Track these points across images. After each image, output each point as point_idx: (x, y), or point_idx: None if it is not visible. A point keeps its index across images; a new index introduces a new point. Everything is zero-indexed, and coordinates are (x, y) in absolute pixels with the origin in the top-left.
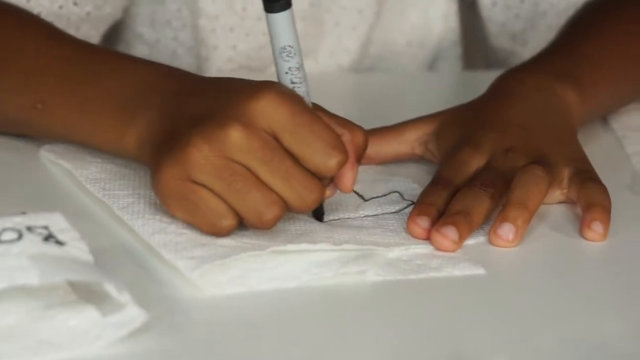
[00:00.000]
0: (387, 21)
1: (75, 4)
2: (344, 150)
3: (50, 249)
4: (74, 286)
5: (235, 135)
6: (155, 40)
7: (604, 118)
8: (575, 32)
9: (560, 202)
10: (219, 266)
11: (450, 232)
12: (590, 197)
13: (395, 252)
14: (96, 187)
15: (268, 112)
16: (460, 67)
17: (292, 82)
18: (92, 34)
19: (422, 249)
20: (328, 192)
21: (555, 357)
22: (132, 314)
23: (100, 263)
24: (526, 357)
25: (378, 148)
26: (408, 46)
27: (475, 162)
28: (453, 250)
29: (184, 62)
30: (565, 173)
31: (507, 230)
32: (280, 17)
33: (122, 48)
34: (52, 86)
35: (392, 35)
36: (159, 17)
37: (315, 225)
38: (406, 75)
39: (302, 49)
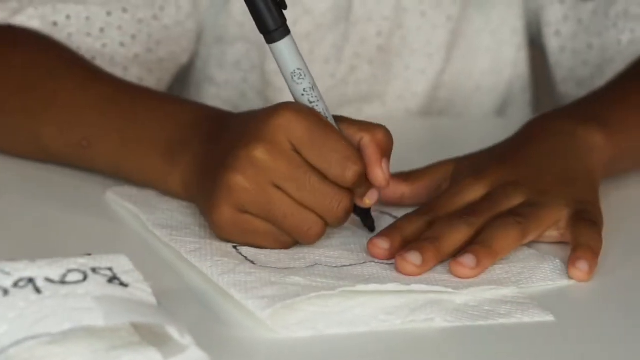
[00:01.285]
0: (457, 66)
1: (122, 44)
2: (357, 161)
3: (115, 290)
4: (137, 328)
5: (259, 156)
6: (225, 81)
7: None
8: (619, 79)
9: (559, 242)
10: (289, 307)
11: (412, 257)
12: (579, 237)
13: (463, 297)
14: (163, 232)
15: (286, 128)
16: (529, 113)
17: (310, 102)
18: (145, 76)
19: (490, 294)
20: (367, 200)
21: None
22: (194, 357)
23: (164, 305)
24: None
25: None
26: (477, 91)
27: (472, 194)
28: (416, 275)
29: (253, 104)
30: (564, 213)
31: (469, 259)
32: (283, 45)
33: (192, 90)
34: (96, 124)
35: (461, 80)
36: (229, 58)
37: (385, 268)
38: (475, 120)
39: (371, 93)
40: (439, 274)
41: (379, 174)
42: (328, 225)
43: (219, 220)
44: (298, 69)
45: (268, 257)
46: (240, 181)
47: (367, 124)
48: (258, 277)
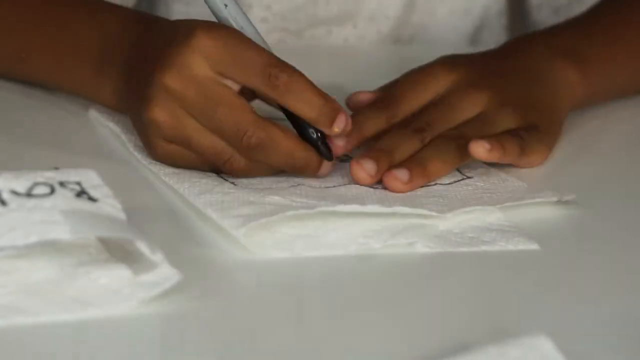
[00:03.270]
0: None
1: None
2: (285, 67)
3: (83, 204)
4: (107, 245)
5: (171, 84)
6: None
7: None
8: (599, 8)
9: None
10: (266, 228)
11: (368, 165)
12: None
13: (446, 223)
14: (143, 155)
15: (202, 51)
16: (505, 38)
17: (232, 17)
18: None
19: (476, 221)
20: (336, 128)
21: (600, 335)
22: (165, 274)
23: (137, 222)
24: (570, 333)
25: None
26: (451, 15)
27: (429, 91)
28: (367, 183)
29: None
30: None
31: (402, 174)
32: None
33: (161, 7)
34: (29, 37)
35: (435, 3)
36: None
37: (369, 191)
38: (448, 47)
39: (341, 14)
40: (423, 198)
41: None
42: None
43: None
44: None
45: (250, 179)
46: (157, 114)
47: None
48: (236, 196)
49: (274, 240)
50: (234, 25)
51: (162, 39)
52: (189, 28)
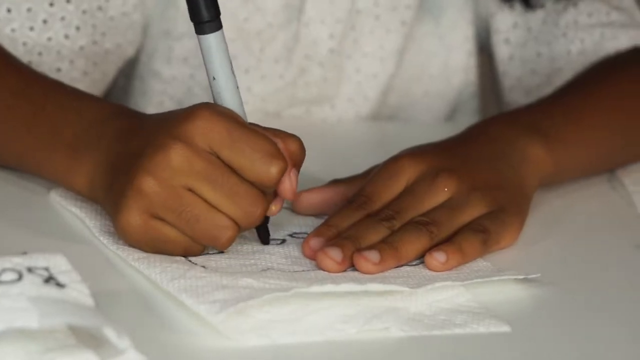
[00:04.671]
0: (408, 70)
1: (66, 37)
2: (282, 158)
3: (51, 291)
4: (74, 329)
5: (176, 156)
6: (171, 77)
7: (612, 173)
8: (567, 88)
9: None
10: (242, 313)
11: (333, 253)
12: (457, 236)
13: (418, 306)
14: (110, 240)
15: (205, 130)
16: (477, 119)
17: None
18: (90, 70)
19: (445, 302)
20: (274, 207)
21: None
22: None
23: (105, 307)
24: None
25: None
26: (426, 96)
27: (405, 174)
28: (335, 271)
29: (200, 101)
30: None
31: (373, 255)
32: (213, 39)
33: (137, 84)
34: (7, 119)
35: (411, 85)
36: (176, 53)
37: (339, 274)
38: (424, 125)
39: (320, 95)
40: (394, 272)
41: (287, 184)
42: (239, 230)
43: (128, 226)
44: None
45: (218, 263)
46: (152, 184)
47: (281, 132)
48: (209, 281)
49: (251, 326)
50: (217, 100)
51: (153, 129)
52: (191, 108)
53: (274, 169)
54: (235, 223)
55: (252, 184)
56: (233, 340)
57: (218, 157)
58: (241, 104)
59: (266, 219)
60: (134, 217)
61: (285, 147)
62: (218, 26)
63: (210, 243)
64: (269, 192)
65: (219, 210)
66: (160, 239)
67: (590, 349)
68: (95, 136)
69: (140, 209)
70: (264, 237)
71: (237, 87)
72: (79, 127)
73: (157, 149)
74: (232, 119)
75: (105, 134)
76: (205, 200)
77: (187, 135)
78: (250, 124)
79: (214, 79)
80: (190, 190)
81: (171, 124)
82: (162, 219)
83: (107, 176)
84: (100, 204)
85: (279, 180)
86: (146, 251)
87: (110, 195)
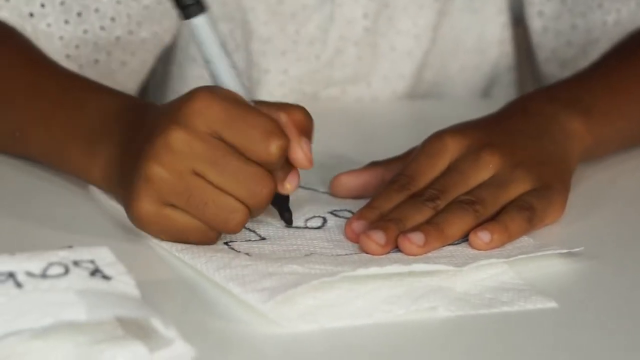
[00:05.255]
0: (443, 46)
1: (102, 28)
2: (281, 134)
3: (97, 283)
4: (121, 321)
5: (175, 140)
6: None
7: None
8: (604, 60)
9: None
10: (289, 300)
11: (376, 236)
12: (502, 215)
13: (463, 285)
14: None
15: (203, 112)
16: (514, 93)
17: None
18: (128, 60)
19: (490, 280)
20: (288, 185)
21: None
22: (180, 350)
23: (151, 297)
24: None
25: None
26: (462, 71)
27: (448, 152)
28: (378, 254)
29: None
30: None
31: (418, 237)
32: (198, 22)
33: (175, 69)
34: (25, 114)
35: (446, 61)
36: None
37: (383, 256)
38: (460, 101)
39: (356, 75)
40: (437, 253)
41: (298, 152)
42: (250, 213)
43: (140, 215)
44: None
45: (262, 250)
46: (158, 171)
47: (284, 104)
48: (254, 269)
49: (298, 312)
50: (214, 82)
51: (156, 117)
52: (189, 92)
53: (273, 146)
54: (245, 206)
55: (258, 164)
56: (281, 327)
57: (222, 139)
58: (241, 83)
59: (286, 199)
60: (145, 206)
61: (290, 117)
62: (201, 9)
63: (221, 227)
64: (277, 170)
65: (227, 193)
66: (174, 227)
67: (637, 323)
68: (108, 130)
69: (151, 197)
70: (286, 217)
71: (233, 67)
72: (95, 121)
73: (158, 135)
74: (231, 99)
75: (117, 127)
76: (212, 184)
77: (186, 119)
78: (255, 101)
79: (208, 62)
80: (197, 174)
81: (171, 110)
82: (173, 206)
83: (119, 169)
84: (116, 196)
85: (280, 157)
86: (166, 240)
87: (122, 187)
